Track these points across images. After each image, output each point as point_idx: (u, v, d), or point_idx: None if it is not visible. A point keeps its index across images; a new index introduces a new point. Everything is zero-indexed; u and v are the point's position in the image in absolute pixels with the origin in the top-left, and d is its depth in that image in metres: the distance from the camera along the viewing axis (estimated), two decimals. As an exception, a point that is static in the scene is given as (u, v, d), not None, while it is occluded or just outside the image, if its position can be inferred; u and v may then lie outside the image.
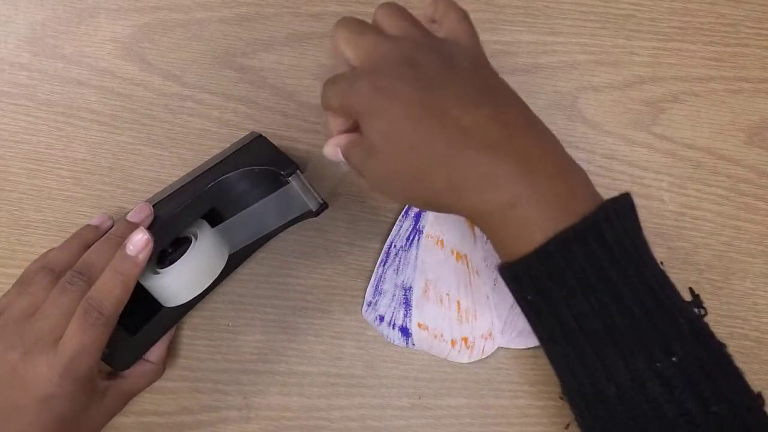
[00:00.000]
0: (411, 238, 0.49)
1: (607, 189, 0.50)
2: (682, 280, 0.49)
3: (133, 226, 0.42)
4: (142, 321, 0.43)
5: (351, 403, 0.48)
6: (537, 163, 0.33)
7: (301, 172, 0.43)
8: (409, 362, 0.49)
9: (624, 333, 0.32)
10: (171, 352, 0.48)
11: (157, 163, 0.49)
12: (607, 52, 0.51)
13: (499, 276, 0.47)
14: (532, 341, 0.48)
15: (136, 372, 0.43)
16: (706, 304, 0.49)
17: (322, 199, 0.43)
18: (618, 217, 0.33)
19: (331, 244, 0.49)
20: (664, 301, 0.33)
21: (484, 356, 0.48)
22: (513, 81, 0.51)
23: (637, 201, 0.50)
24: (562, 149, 0.35)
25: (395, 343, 0.48)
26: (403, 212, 0.49)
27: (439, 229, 0.49)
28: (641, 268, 0.33)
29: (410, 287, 0.49)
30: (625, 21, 0.52)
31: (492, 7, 0.51)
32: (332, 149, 0.39)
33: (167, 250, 0.42)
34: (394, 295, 0.48)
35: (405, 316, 0.48)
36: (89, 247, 0.42)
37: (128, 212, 0.43)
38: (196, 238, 0.42)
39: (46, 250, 0.44)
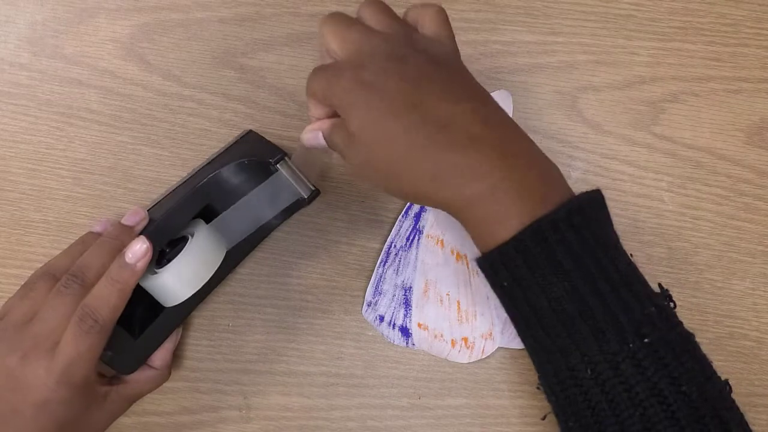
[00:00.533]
0: (411, 238, 0.49)
1: (607, 189, 0.50)
2: (681, 280, 0.49)
3: (128, 229, 0.42)
4: (144, 323, 0.43)
5: (351, 403, 0.48)
6: (513, 157, 0.35)
7: (289, 159, 0.43)
8: (409, 362, 0.49)
9: (597, 316, 0.33)
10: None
11: (157, 163, 0.49)
12: (607, 52, 0.51)
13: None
14: (532, 341, 0.48)
15: (139, 377, 0.43)
16: (707, 304, 0.49)
17: (314, 186, 0.43)
18: (590, 208, 0.35)
19: (331, 244, 0.49)
20: (635, 288, 0.34)
21: (484, 356, 0.48)
22: (513, 81, 0.51)
23: (637, 201, 0.50)
24: (535, 145, 0.37)
25: (395, 343, 0.48)
26: (403, 212, 0.49)
27: (439, 229, 0.49)
28: (612, 257, 0.35)
29: (410, 287, 0.49)
30: (625, 21, 0.52)
31: (492, 7, 0.51)
32: (312, 134, 0.40)
33: (165, 250, 0.42)
34: (394, 295, 0.48)
35: (405, 316, 0.48)
36: None
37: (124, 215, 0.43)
38: (192, 236, 0.42)
39: (45, 250, 0.44)
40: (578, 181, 0.50)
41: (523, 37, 0.51)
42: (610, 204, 0.49)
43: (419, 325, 0.48)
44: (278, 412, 0.48)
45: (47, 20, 0.50)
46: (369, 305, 0.48)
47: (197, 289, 0.42)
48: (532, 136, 0.50)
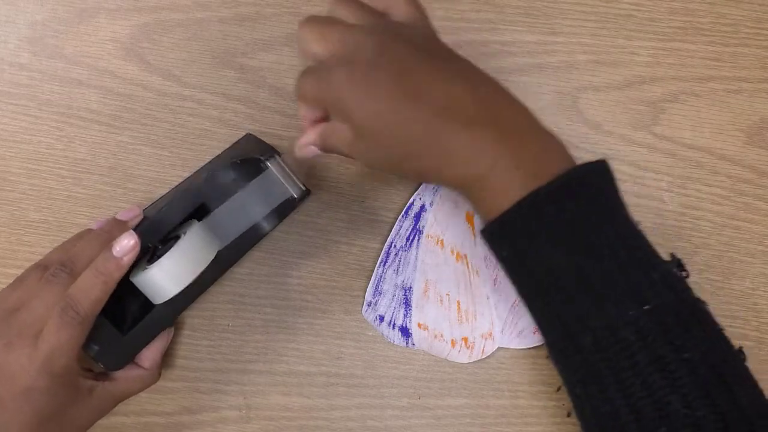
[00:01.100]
0: (411, 238, 0.49)
1: (607, 189, 0.50)
2: (682, 280, 0.49)
3: (122, 225, 0.42)
4: (134, 321, 0.42)
5: (351, 403, 0.48)
6: (513, 132, 0.36)
7: (281, 157, 0.43)
8: (409, 362, 0.49)
9: (596, 284, 0.33)
10: (171, 352, 0.48)
11: (157, 163, 0.49)
12: (607, 52, 0.51)
13: (499, 275, 0.48)
14: (532, 341, 0.48)
15: (126, 375, 0.43)
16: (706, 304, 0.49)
17: (304, 185, 0.43)
18: (592, 177, 0.35)
19: (331, 244, 0.49)
20: (638, 256, 0.34)
21: (484, 356, 0.48)
22: (513, 81, 0.51)
23: (637, 201, 0.50)
24: (533, 118, 0.37)
25: (395, 343, 0.48)
26: (403, 212, 0.49)
27: (439, 229, 0.49)
28: (615, 226, 0.35)
29: (410, 287, 0.49)
30: (625, 21, 0.52)
31: (492, 7, 0.51)
32: (306, 150, 0.41)
33: (157, 247, 0.42)
34: (394, 295, 0.48)
35: (405, 316, 0.48)
36: None
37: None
38: (184, 235, 0.42)
39: (45, 250, 0.43)
40: (578, 181, 0.50)
41: (523, 37, 0.51)
42: (610, 204, 0.49)
43: (419, 325, 0.48)
44: (278, 412, 0.48)
45: (47, 20, 0.50)
46: (369, 305, 0.48)
47: (185, 286, 0.42)
48: (532, 136, 0.50)
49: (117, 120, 0.50)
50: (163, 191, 0.49)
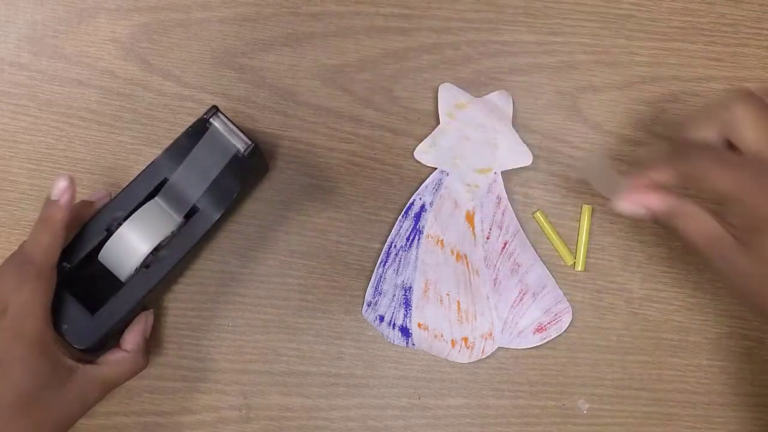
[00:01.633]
0: (411, 238, 0.49)
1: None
2: (681, 280, 0.49)
3: (88, 203, 0.43)
4: (101, 299, 0.42)
5: (351, 403, 0.48)
6: None
7: (222, 113, 0.42)
8: (409, 362, 0.49)
9: None
10: (171, 352, 0.48)
11: (157, 163, 0.49)
12: (607, 52, 0.51)
13: (499, 275, 0.48)
14: (532, 341, 0.48)
15: (109, 359, 0.42)
16: (707, 303, 0.49)
17: (249, 140, 0.43)
18: None
19: (331, 244, 0.49)
20: None
21: (484, 356, 0.48)
22: (513, 81, 0.51)
23: (637, 201, 0.50)
24: None
25: (395, 343, 0.48)
26: (403, 212, 0.49)
27: (439, 229, 0.49)
28: None
29: (410, 287, 0.49)
30: (625, 21, 0.52)
31: (492, 7, 0.51)
32: (634, 207, 0.38)
33: (121, 224, 0.43)
34: (394, 295, 0.48)
35: (405, 316, 0.48)
36: None
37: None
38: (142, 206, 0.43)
39: (46, 250, 0.43)
40: (578, 182, 0.50)
41: (523, 37, 0.51)
42: (610, 204, 0.49)
43: (419, 325, 0.48)
44: (278, 412, 0.48)
45: (47, 20, 0.50)
46: (369, 305, 0.48)
47: (143, 256, 0.42)
48: (532, 136, 0.50)
49: (117, 120, 0.50)
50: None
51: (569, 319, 0.48)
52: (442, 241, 0.49)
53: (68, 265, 0.41)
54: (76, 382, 0.40)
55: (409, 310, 0.48)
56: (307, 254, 0.49)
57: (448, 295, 0.48)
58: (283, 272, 0.49)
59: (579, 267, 0.49)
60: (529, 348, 0.48)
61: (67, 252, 0.42)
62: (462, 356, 0.48)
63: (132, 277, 0.42)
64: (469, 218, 0.49)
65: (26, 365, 0.37)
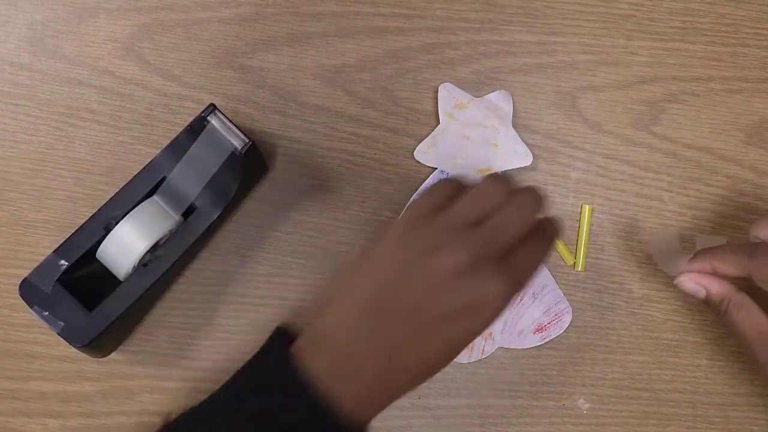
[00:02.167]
0: (411, 238, 0.49)
1: (607, 189, 0.50)
2: (682, 280, 0.49)
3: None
4: (101, 298, 0.42)
5: (351, 403, 0.48)
6: None
7: (219, 110, 0.42)
8: (409, 362, 0.49)
9: None
10: (171, 352, 0.48)
11: (157, 163, 0.49)
12: (607, 52, 0.51)
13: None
14: (532, 341, 0.48)
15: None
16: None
17: (247, 137, 0.43)
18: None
19: (331, 244, 0.49)
20: None
21: (484, 356, 0.48)
22: (513, 81, 0.51)
23: (637, 201, 0.50)
24: None
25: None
26: (403, 212, 0.49)
27: (439, 229, 0.49)
28: None
29: (410, 287, 0.48)
30: (625, 21, 0.52)
31: (492, 7, 0.51)
32: (695, 287, 0.43)
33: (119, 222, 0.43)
34: (394, 295, 0.48)
35: (405, 316, 0.48)
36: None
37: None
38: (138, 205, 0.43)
39: (45, 250, 0.43)
40: (578, 182, 0.50)
41: (523, 37, 0.51)
42: (610, 204, 0.50)
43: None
44: (278, 412, 0.48)
45: (47, 20, 0.50)
46: (369, 305, 0.48)
47: (140, 255, 0.42)
48: (532, 136, 0.50)
49: (117, 120, 0.50)
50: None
51: (569, 319, 0.48)
52: (442, 241, 0.49)
53: (66, 263, 0.41)
54: None
55: (409, 310, 0.48)
56: (307, 254, 0.49)
57: (448, 295, 0.48)
58: (283, 272, 0.49)
59: (579, 267, 0.49)
60: (529, 348, 0.48)
61: (65, 249, 0.42)
62: (462, 356, 0.48)
63: (130, 275, 0.42)
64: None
65: (495, 318, 0.35)
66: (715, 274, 0.43)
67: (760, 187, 0.50)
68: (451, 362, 0.46)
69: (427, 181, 0.49)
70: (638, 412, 0.48)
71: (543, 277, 0.48)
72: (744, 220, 0.50)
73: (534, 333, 0.48)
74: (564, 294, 0.49)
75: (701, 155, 0.51)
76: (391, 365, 0.35)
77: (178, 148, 0.43)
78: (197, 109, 0.49)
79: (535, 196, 0.36)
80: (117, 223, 0.42)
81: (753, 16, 0.52)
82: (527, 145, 0.50)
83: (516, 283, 0.35)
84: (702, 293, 0.43)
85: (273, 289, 0.49)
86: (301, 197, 0.49)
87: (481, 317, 0.35)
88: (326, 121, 0.50)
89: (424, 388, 0.48)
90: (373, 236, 0.49)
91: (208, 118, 0.42)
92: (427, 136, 0.50)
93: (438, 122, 0.50)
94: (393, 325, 0.35)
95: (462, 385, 0.48)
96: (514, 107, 0.50)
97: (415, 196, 0.49)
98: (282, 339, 0.37)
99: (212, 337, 0.48)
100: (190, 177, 0.43)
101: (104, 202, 0.43)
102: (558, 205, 0.50)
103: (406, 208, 0.38)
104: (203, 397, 0.48)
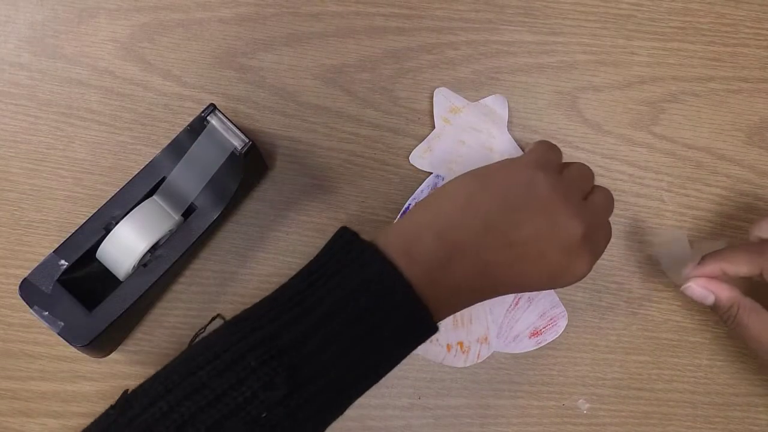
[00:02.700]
0: (411, 238, 0.49)
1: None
2: (682, 280, 0.49)
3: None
4: (101, 298, 0.42)
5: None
6: None
7: (219, 110, 0.42)
8: (408, 362, 0.48)
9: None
10: (171, 353, 0.48)
11: (157, 163, 0.49)
12: (607, 52, 0.51)
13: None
14: (528, 346, 0.48)
15: None
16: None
17: (247, 137, 0.43)
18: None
19: (331, 244, 0.49)
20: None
21: (479, 360, 0.48)
22: (513, 81, 0.51)
23: (637, 201, 0.50)
24: None
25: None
26: (401, 212, 0.49)
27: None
28: None
29: (410, 287, 0.48)
30: (625, 21, 0.52)
31: (492, 7, 0.51)
32: (703, 293, 0.43)
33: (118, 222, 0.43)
34: (394, 295, 0.48)
35: (405, 316, 0.48)
36: None
37: None
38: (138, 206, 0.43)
39: (46, 250, 0.43)
40: (578, 181, 0.50)
41: (523, 37, 0.51)
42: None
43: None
44: (278, 412, 0.48)
45: (47, 20, 0.50)
46: (369, 305, 0.48)
47: (140, 254, 0.42)
48: (532, 136, 0.50)
49: (117, 120, 0.50)
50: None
51: (565, 324, 0.48)
52: (442, 241, 0.49)
53: (66, 263, 0.41)
54: None
55: (409, 310, 0.48)
56: (307, 254, 0.49)
57: (447, 295, 0.48)
58: (283, 272, 0.49)
59: (579, 267, 0.49)
60: (526, 351, 0.48)
61: (65, 249, 0.42)
62: (458, 360, 0.48)
63: (130, 275, 0.42)
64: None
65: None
66: (723, 276, 0.43)
67: (760, 187, 0.50)
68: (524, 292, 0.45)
69: (423, 184, 0.49)
70: (638, 412, 0.48)
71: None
72: (744, 220, 0.50)
73: (529, 337, 0.48)
74: (564, 294, 0.49)
75: (701, 155, 0.51)
76: (483, 276, 0.36)
77: (178, 148, 0.43)
78: (197, 109, 0.49)
79: (612, 196, 0.42)
80: (117, 223, 0.42)
81: (753, 16, 0.52)
82: (527, 145, 0.50)
83: (597, 260, 0.39)
84: (710, 299, 0.43)
85: (273, 289, 0.49)
86: (301, 197, 0.49)
87: (562, 281, 0.38)
88: (326, 121, 0.50)
89: (424, 388, 0.48)
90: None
91: (208, 118, 0.42)
92: (427, 136, 0.50)
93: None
94: (501, 241, 0.36)
95: (462, 385, 0.48)
96: (514, 107, 0.50)
97: (410, 200, 0.49)
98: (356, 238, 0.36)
99: (212, 337, 0.48)
100: (190, 177, 0.43)
101: (104, 202, 0.43)
102: (558, 205, 0.50)
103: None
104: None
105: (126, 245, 0.42)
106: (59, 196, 0.49)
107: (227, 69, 0.50)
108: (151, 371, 0.47)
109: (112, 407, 0.34)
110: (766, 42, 0.52)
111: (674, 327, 0.49)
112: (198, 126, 0.43)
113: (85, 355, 0.44)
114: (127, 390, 0.34)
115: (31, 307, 0.41)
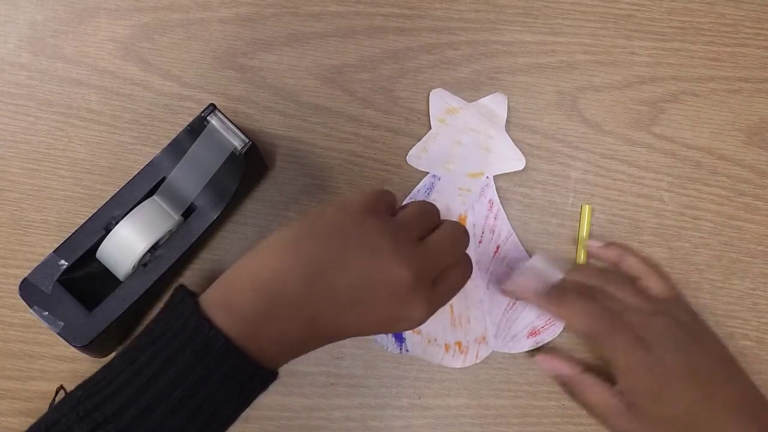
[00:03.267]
0: (411, 238, 0.49)
1: (607, 189, 0.50)
2: (682, 280, 0.49)
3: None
4: (101, 298, 0.42)
5: (351, 403, 0.48)
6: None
7: (219, 111, 0.42)
8: (408, 362, 0.49)
9: None
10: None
11: (157, 163, 0.49)
12: (607, 52, 0.51)
13: (491, 279, 0.47)
14: (526, 345, 0.48)
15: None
16: (707, 304, 0.49)
17: (247, 137, 0.43)
18: None
19: (330, 244, 0.49)
20: None
21: (477, 360, 0.48)
22: (513, 81, 0.51)
23: (637, 201, 0.50)
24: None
25: (389, 349, 0.48)
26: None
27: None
28: None
29: (410, 287, 0.48)
30: (625, 21, 0.52)
31: (492, 7, 0.51)
32: (550, 365, 0.46)
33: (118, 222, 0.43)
34: (393, 295, 0.48)
35: (405, 316, 0.48)
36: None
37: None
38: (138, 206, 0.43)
39: (45, 250, 0.43)
40: (578, 181, 0.50)
41: (523, 37, 0.51)
42: (610, 204, 0.50)
43: (413, 330, 0.48)
44: (278, 412, 0.48)
45: (47, 20, 0.50)
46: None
47: (140, 255, 0.42)
48: (532, 136, 0.50)
49: (117, 120, 0.50)
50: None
51: (563, 324, 0.48)
52: (441, 241, 0.49)
53: (66, 263, 0.41)
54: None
55: (409, 310, 0.48)
56: (306, 254, 0.49)
57: (447, 295, 0.48)
58: (283, 272, 0.49)
59: (579, 267, 0.49)
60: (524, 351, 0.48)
61: (65, 249, 0.42)
62: (456, 361, 0.48)
63: (130, 275, 0.42)
64: (462, 221, 0.49)
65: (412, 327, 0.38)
66: (568, 357, 0.46)
67: (760, 187, 0.50)
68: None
69: (419, 184, 0.49)
70: (638, 412, 0.48)
71: (543, 277, 0.48)
72: (744, 220, 0.50)
73: (527, 337, 0.48)
74: (564, 294, 0.49)
75: (701, 155, 0.51)
76: (311, 327, 0.36)
77: (178, 148, 0.43)
78: (197, 109, 0.49)
79: (464, 230, 0.40)
80: (117, 223, 0.42)
81: (753, 16, 0.52)
82: (528, 145, 0.50)
83: (438, 307, 0.38)
84: (553, 374, 0.46)
85: (273, 289, 0.49)
86: (301, 197, 0.49)
87: (397, 328, 0.38)
88: (326, 121, 0.50)
89: (424, 388, 0.48)
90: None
91: (208, 118, 0.42)
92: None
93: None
94: (324, 288, 0.35)
95: (462, 385, 0.48)
96: (514, 107, 0.50)
97: (407, 199, 0.49)
98: (186, 294, 0.36)
99: (212, 337, 0.48)
100: (190, 177, 0.43)
101: (104, 202, 0.43)
102: (558, 205, 0.50)
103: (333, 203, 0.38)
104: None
105: (126, 245, 0.42)
106: (59, 196, 0.49)
107: (227, 69, 0.50)
108: (151, 371, 0.47)
109: None
110: (766, 42, 0.52)
111: (674, 327, 0.49)
112: (198, 126, 0.43)
113: (85, 355, 0.44)
114: None
115: (31, 307, 0.41)
